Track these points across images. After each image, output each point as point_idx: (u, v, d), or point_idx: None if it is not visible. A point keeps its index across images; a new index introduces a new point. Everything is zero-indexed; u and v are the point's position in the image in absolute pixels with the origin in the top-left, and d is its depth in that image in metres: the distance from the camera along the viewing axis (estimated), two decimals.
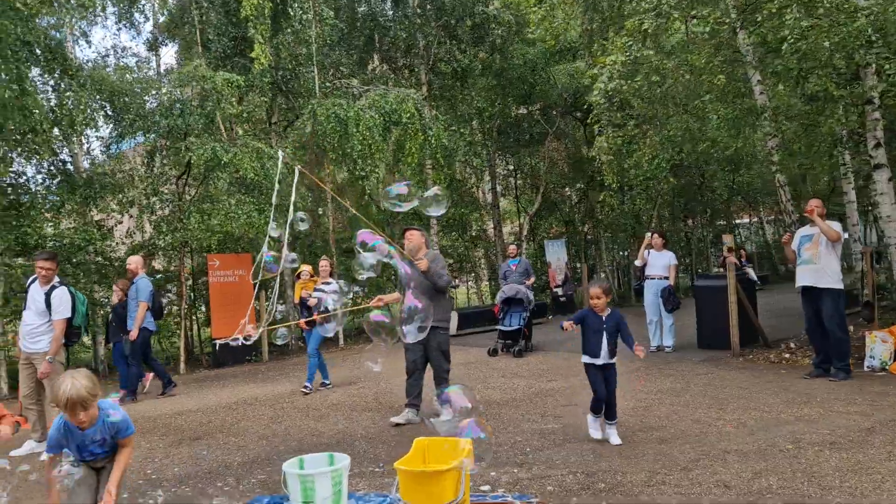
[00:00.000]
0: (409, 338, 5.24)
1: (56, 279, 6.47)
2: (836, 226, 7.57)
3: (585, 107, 19.19)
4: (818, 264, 7.53)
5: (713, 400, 6.81)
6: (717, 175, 20.36)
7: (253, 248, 13.55)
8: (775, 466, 4.60)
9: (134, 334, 8.87)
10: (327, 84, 12.91)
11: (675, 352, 10.13)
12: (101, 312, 11.97)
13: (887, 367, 7.71)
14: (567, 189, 21.42)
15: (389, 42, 15.39)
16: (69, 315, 6.41)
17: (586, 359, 5.35)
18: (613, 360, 5.32)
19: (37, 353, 6.30)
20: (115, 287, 10.09)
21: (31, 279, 6.57)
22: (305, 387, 8.73)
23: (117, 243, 12.21)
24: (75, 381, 3.18)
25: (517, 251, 12.38)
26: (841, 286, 7.53)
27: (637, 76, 7.91)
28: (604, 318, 5.27)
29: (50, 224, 12.19)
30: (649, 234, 10.51)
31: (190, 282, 12.99)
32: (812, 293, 7.64)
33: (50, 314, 6.31)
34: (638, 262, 10.41)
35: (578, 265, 20.96)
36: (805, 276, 7.66)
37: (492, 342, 11.51)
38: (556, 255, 19.51)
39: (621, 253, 23.38)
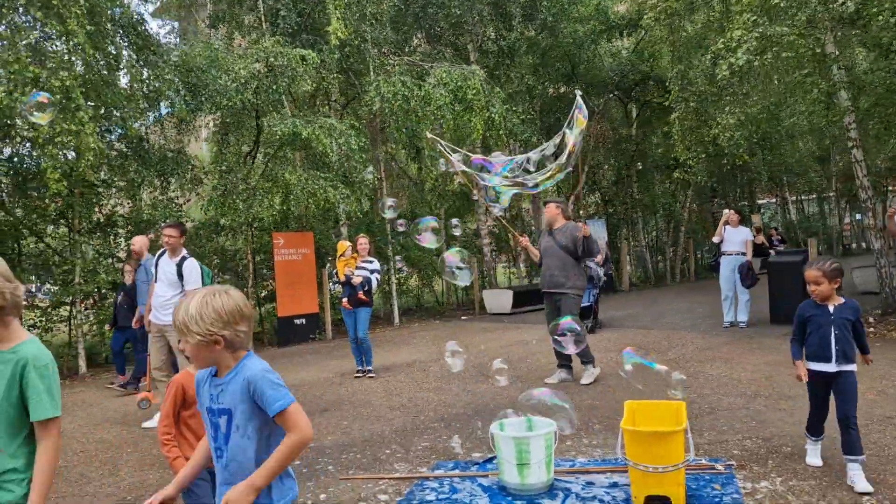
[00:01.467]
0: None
1: (184, 250, 6.47)
2: None
3: (626, 86, 19.28)
4: None
5: None
6: (757, 154, 20.38)
7: (315, 225, 13.53)
8: None
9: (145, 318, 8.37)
10: (390, 61, 12.84)
11: (749, 327, 10.23)
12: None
13: None
14: (607, 167, 21.48)
15: (441, 20, 15.28)
16: (200, 286, 6.42)
17: (812, 364, 4.04)
18: (851, 367, 3.94)
19: (169, 324, 6.30)
20: (126, 267, 9.12)
21: (158, 253, 6.58)
22: (367, 371, 8.38)
23: (186, 220, 12.17)
24: (188, 300, 2.06)
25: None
26: None
27: (766, 52, 7.86)
28: (831, 308, 3.98)
29: (118, 203, 12.17)
30: (727, 210, 10.62)
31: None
32: None
33: (182, 285, 6.31)
34: (716, 239, 10.50)
35: (618, 244, 21.05)
36: None
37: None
38: (597, 234, 19.55)
39: (653, 234, 23.47)
